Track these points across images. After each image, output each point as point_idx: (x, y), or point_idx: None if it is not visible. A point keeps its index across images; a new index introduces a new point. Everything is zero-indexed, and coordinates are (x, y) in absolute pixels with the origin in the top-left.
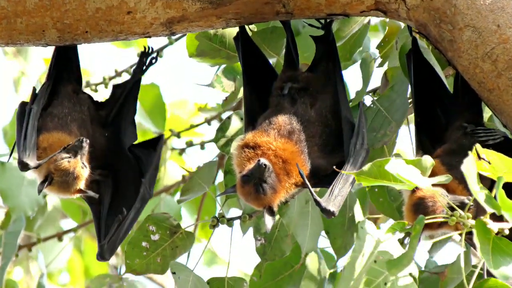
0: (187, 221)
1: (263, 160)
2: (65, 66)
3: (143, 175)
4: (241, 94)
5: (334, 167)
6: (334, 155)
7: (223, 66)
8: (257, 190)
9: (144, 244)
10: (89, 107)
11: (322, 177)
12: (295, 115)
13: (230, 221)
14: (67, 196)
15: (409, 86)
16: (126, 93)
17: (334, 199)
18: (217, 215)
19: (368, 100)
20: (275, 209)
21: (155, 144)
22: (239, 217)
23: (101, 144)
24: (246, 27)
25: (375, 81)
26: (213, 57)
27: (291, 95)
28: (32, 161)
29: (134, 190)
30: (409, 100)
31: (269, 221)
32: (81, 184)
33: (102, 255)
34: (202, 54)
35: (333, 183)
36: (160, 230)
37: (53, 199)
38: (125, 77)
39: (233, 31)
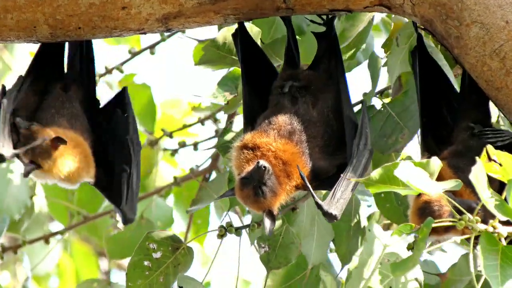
0: (179, 225)
1: (263, 162)
2: (50, 62)
3: (125, 133)
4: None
5: (342, 175)
6: (336, 156)
7: (223, 75)
8: (256, 193)
9: (146, 263)
10: (82, 101)
11: (323, 179)
12: (296, 114)
13: (238, 230)
14: (69, 160)
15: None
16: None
17: (336, 202)
18: (224, 224)
19: (377, 102)
20: (275, 212)
21: (121, 99)
22: (247, 226)
23: (99, 135)
24: (246, 24)
25: (381, 81)
26: (217, 64)
27: (292, 94)
28: (7, 152)
29: (125, 152)
30: None
31: (268, 225)
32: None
33: (127, 217)
34: (207, 62)
35: (335, 186)
36: (161, 247)
37: (40, 201)
38: (116, 74)
39: None
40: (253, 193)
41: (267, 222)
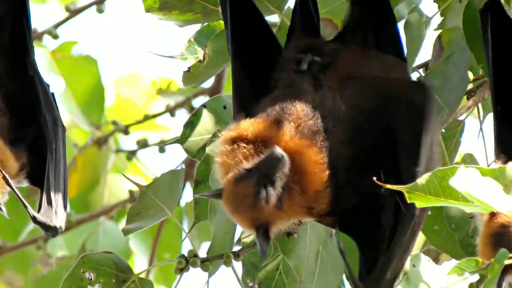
0: (139, 258)
1: (280, 150)
2: None
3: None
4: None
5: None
6: (364, 178)
7: (199, 27)
8: (258, 192)
9: None
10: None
11: (345, 213)
12: (321, 106)
13: (205, 263)
14: None
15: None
16: None
17: (386, 275)
18: (186, 253)
19: (415, 77)
20: (271, 235)
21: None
22: (220, 256)
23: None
24: None
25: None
26: (182, 12)
27: (313, 74)
28: None
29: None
30: (481, 79)
31: (262, 247)
32: None
33: (44, 226)
34: (165, 7)
35: (393, 243)
36: (101, 278)
37: None
38: (48, 41)
39: None
40: (254, 191)
41: (261, 243)
